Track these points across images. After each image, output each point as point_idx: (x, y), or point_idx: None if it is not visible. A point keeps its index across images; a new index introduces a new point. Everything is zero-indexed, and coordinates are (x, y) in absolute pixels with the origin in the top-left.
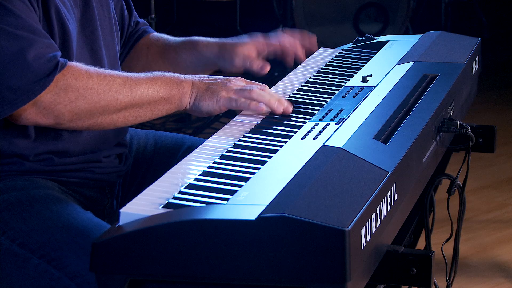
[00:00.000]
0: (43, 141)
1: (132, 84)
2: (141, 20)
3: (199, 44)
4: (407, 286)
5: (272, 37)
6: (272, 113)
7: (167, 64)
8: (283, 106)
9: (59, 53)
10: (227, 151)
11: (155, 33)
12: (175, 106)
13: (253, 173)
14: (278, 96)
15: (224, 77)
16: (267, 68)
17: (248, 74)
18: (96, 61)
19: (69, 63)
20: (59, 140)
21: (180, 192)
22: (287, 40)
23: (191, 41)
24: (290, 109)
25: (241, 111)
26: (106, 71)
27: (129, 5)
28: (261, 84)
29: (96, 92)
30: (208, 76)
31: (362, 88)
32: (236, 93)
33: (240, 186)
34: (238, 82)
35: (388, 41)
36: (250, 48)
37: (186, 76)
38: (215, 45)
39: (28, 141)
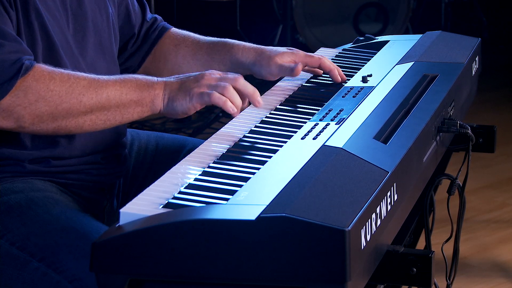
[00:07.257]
0: (39, 148)
1: (98, 86)
2: (159, 17)
3: (234, 48)
4: (407, 286)
5: (313, 55)
6: (271, 113)
7: (198, 65)
8: (259, 104)
9: (27, 56)
10: (227, 151)
11: (177, 30)
12: (148, 109)
13: (253, 173)
14: (252, 90)
15: (198, 72)
16: (300, 68)
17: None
18: (87, 65)
19: (36, 65)
20: (55, 147)
21: (180, 192)
22: (327, 61)
23: (224, 44)
24: (259, 104)
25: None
26: (73, 73)
27: (140, 1)
28: (236, 74)
29: (58, 95)
30: (181, 75)
31: (362, 88)
32: (208, 88)
33: (240, 186)
34: (212, 76)
35: (388, 41)
36: (289, 59)
37: (159, 78)
38: (252, 50)
39: (24, 150)
